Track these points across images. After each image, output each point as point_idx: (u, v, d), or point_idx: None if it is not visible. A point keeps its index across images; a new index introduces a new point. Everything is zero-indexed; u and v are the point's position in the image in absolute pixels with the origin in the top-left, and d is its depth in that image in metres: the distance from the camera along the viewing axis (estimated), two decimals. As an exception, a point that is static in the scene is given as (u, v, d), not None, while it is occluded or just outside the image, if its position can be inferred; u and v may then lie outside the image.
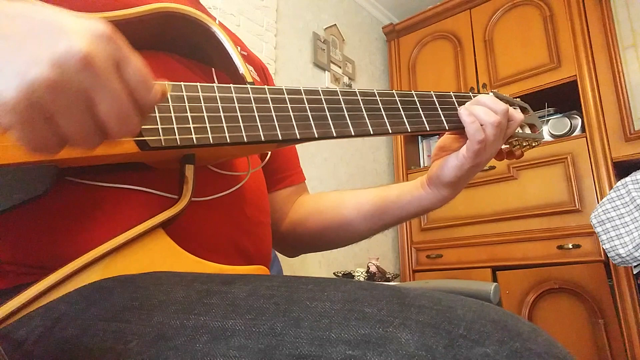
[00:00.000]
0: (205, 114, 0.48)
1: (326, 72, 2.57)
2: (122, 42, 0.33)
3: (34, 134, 0.30)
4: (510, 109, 0.67)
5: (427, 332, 0.30)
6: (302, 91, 0.55)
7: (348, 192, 0.78)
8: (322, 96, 0.56)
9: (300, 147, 0.85)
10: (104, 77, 0.31)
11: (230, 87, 0.51)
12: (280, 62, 2.28)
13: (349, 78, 2.73)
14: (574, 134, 2.24)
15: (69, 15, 0.32)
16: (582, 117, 2.21)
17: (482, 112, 0.63)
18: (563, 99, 2.26)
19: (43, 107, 0.30)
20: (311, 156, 2.31)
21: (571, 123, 2.26)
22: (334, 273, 2.24)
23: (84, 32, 0.31)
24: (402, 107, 0.62)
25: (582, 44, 2.25)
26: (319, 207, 0.78)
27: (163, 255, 0.45)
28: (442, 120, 0.64)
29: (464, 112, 0.64)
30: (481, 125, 0.63)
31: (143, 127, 0.44)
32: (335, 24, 2.70)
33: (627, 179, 1.69)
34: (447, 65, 2.71)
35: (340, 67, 2.67)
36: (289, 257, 0.86)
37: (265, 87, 0.53)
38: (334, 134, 0.54)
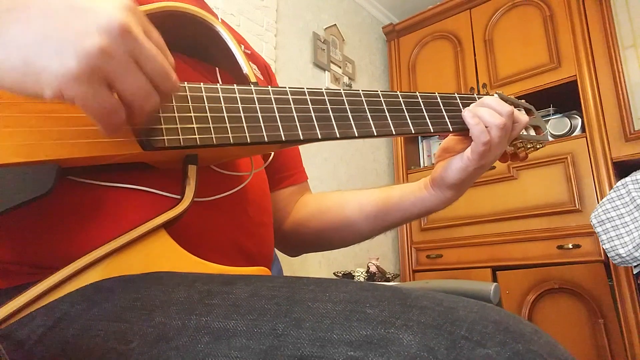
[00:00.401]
0: (208, 114, 0.47)
1: (326, 72, 2.57)
2: (143, 15, 0.38)
3: (100, 100, 0.34)
4: (515, 111, 0.66)
5: (428, 333, 0.30)
6: (306, 92, 0.55)
7: (351, 193, 0.77)
8: (325, 97, 0.56)
9: (301, 147, 0.85)
10: (141, 40, 0.36)
11: (234, 87, 0.51)
12: (280, 62, 2.28)
13: (349, 78, 2.73)
14: (574, 134, 2.25)
15: None
16: (582, 117, 2.21)
17: (487, 113, 0.63)
18: (563, 99, 2.26)
19: (102, 71, 0.34)
20: (311, 156, 2.31)
21: (571, 123, 2.27)
22: (334, 273, 2.24)
23: (115, 5, 0.35)
24: (406, 109, 0.61)
25: (582, 44, 2.25)
26: (322, 207, 0.78)
27: (165, 256, 0.45)
28: (446, 122, 0.64)
29: (468, 115, 0.64)
30: (486, 127, 0.62)
31: (146, 127, 0.44)
32: (335, 24, 2.70)
33: (627, 179, 1.69)
34: (447, 65, 2.71)
35: (340, 67, 2.67)
36: (291, 256, 0.86)
37: (269, 87, 0.53)
38: (338, 135, 0.54)
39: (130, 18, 0.35)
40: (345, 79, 2.70)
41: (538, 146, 0.75)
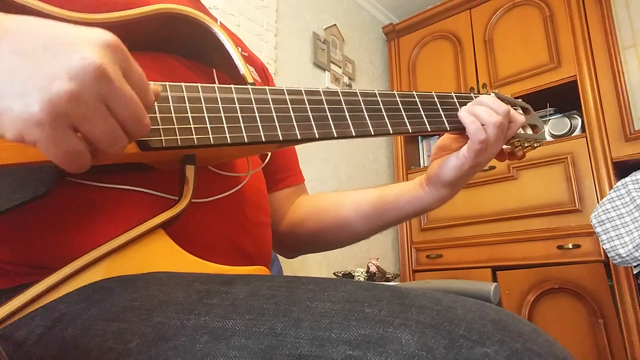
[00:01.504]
0: (206, 115, 0.48)
1: (326, 72, 2.57)
2: (126, 50, 0.36)
3: (62, 145, 0.32)
4: (512, 110, 0.66)
5: (427, 332, 0.30)
6: (303, 92, 0.55)
7: (346, 193, 0.77)
8: (322, 97, 0.56)
9: (300, 147, 0.85)
10: (117, 83, 0.34)
11: (231, 87, 0.51)
12: (280, 62, 2.28)
13: (349, 78, 2.73)
14: (574, 134, 2.25)
15: (74, 28, 0.34)
16: (582, 117, 2.21)
17: (483, 112, 0.63)
18: (563, 99, 2.26)
19: (67, 117, 0.32)
20: (311, 156, 2.31)
21: (571, 123, 2.27)
22: (334, 273, 2.24)
23: (93, 44, 0.33)
24: (403, 108, 0.61)
25: (582, 44, 2.25)
26: (318, 207, 0.78)
27: (163, 256, 0.45)
28: (443, 120, 0.64)
29: (464, 114, 0.64)
30: (482, 125, 0.63)
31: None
32: (335, 24, 2.70)
33: (627, 179, 1.69)
34: (447, 65, 2.71)
35: (340, 67, 2.67)
36: (288, 257, 0.86)
37: (266, 87, 0.53)
38: (335, 135, 0.54)
39: (108, 59, 0.33)
40: (345, 79, 2.70)
41: (535, 145, 0.76)
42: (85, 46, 0.33)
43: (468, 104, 0.66)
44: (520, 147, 0.75)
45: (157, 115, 0.45)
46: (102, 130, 0.34)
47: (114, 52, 0.34)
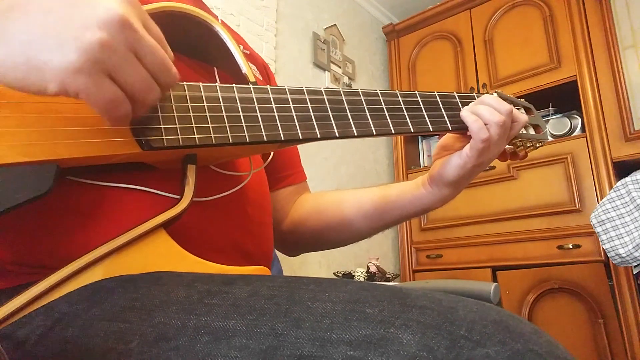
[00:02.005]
0: (207, 114, 0.47)
1: (326, 72, 2.57)
2: (142, 8, 0.38)
3: (103, 92, 0.35)
4: (515, 110, 0.66)
5: (428, 333, 0.30)
6: (305, 91, 0.55)
7: (348, 192, 0.77)
8: (324, 96, 0.56)
9: (300, 147, 0.85)
10: (140, 32, 0.36)
11: (232, 87, 0.51)
12: (280, 62, 2.28)
13: (349, 78, 2.73)
14: (574, 134, 2.25)
15: None
16: (582, 117, 2.21)
17: (486, 111, 0.63)
18: (563, 99, 2.26)
19: (103, 64, 0.34)
20: (311, 156, 2.31)
21: (571, 123, 2.27)
22: (334, 273, 2.24)
23: None
24: (405, 108, 0.61)
25: (582, 44, 2.25)
26: (320, 206, 0.78)
27: (164, 256, 0.44)
28: (445, 120, 0.64)
29: (466, 113, 0.64)
30: (485, 124, 0.63)
31: (145, 126, 0.44)
32: (335, 24, 2.70)
33: (627, 179, 1.69)
34: (447, 65, 2.71)
35: (340, 67, 2.67)
36: (290, 256, 0.86)
37: (268, 87, 0.53)
38: (337, 134, 0.54)
39: (130, 11, 0.36)
40: (345, 79, 2.70)
41: (537, 145, 0.75)
42: (108, 1, 0.35)
43: (470, 104, 0.66)
44: (522, 147, 0.74)
45: (159, 114, 0.45)
46: (136, 79, 0.36)
47: (132, 6, 0.37)
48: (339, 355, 0.30)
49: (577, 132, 2.25)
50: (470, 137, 0.64)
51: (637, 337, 1.84)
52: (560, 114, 2.32)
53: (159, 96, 0.39)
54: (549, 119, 2.31)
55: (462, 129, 0.65)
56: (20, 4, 0.34)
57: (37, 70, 0.33)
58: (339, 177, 2.48)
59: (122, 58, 0.35)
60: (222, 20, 0.71)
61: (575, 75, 2.23)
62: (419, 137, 2.90)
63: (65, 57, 0.33)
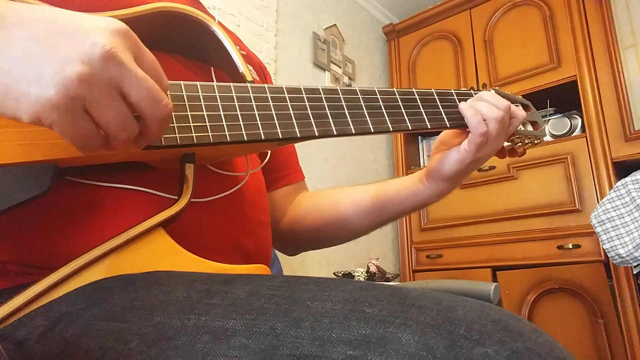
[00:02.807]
0: (205, 113, 0.47)
1: (326, 72, 2.57)
2: (136, 37, 0.37)
3: (77, 127, 0.34)
4: (513, 106, 0.67)
5: (428, 332, 0.30)
6: (302, 90, 0.55)
7: (346, 189, 0.78)
8: (322, 94, 0.56)
9: (300, 147, 0.85)
10: (128, 66, 0.35)
11: (230, 85, 0.51)
12: (280, 62, 2.28)
13: (349, 78, 2.73)
14: (574, 134, 2.24)
15: (85, 16, 0.36)
16: (582, 117, 2.21)
17: (484, 107, 0.64)
18: (563, 99, 2.26)
19: (81, 99, 0.33)
20: (311, 156, 2.31)
21: (571, 123, 2.26)
22: (334, 273, 2.24)
23: (103, 30, 0.35)
24: (402, 105, 0.61)
25: (582, 44, 2.25)
26: (317, 204, 0.78)
27: (164, 255, 0.44)
28: (443, 117, 0.64)
29: (465, 107, 0.64)
30: (484, 120, 0.63)
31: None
32: (335, 24, 2.70)
33: (627, 179, 1.69)
34: (447, 65, 2.71)
35: (340, 67, 2.67)
36: (289, 255, 0.86)
37: (265, 85, 0.53)
38: (335, 132, 0.54)
39: (119, 44, 0.35)
40: (345, 79, 2.70)
41: (536, 142, 0.76)
42: (97, 32, 0.34)
43: (468, 100, 0.67)
44: (520, 144, 0.75)
45: None
46: (113, 116, 0.35)
47: (123, 38, 0.36)
48: (339, 355, 0.30)
49: (577, 132, 2.25)
50: (468, 132, 0.64)
51: (637, 337, 1.83)
52: (560, 114, 2.32)
53: (134, 134, 0.38)
54: (549, 119, 2.31)
55: (460, 126, 0.65)
56: (8, 26, 0.34)
57: (14, 100, 0.33)
58: (339, 177, 2.48)
59: (102, 94, 0.34)
60: (218, 21, 0.71)
61: (575, 75, 2.23)
62: (419, 136, 2.90)
63: (43, 92, 0.32)
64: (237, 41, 0.77)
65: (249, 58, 0.77)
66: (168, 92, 0.47)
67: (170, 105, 0.39)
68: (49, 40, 0.33)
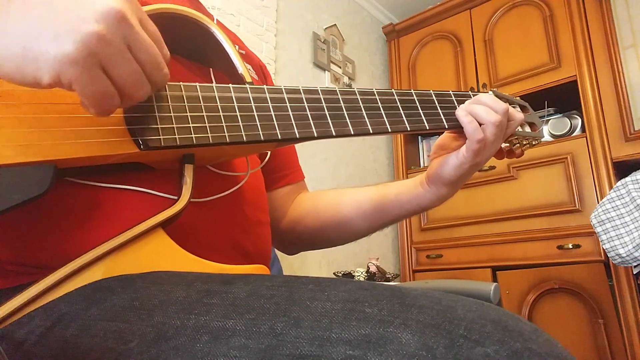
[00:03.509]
0: (204, 114, 0.47)
1: (326, 72, 2.57)
2: (139, 5, 0.39)
3: (96, 84, 0.36)
4: (511, 108, 0.67)
5: (427, 332, 0.30)
6: (301, 90, 0.55)
7: (347, 191, 0.78)
8: (321, 95, 0.56)
9: (300, 148, 0.85)
10: (136, 28, 0.37)
11: (229, 87, 0.51)
12: (280, 62, 2.28)
13: (349, 78, 2.73)
14: (574, 134, 2.25)
15: None
16: (582, 117, 2.21)
17: (482, 111, 0.63)
18: (563, 99, 2.26)
19: (98, 56, 0.35)
20: (311, 156, 2.31)
21: (571, 123, 2.26)
22: (334, 273, 2.24)
23: None
24: (401, 106, 0.62)
25: (582, 44, 2.25)
26: (318, 205, 0.78)
27: (163, 255, 0.44)
28: (441, 119, 0.64)
29: (462, 113, 0.64)
30: (482, 124, 0.63)
31: (142, 126, 0.44)
32: (335, 24, 2.70)
33: (627, 179, 1.69)
34: (447, 65, 2.71)
35: (340, 67, 2.67)
36: (289, 254, 0.86)
37: (264, 86, 0.53)
38: (333, 133, 0.54)
39: (127, 7, 0.37)
40: (345, 79, 2.70)
41: (534, 142, 0.76)
42: None
43: (466, 102, 0.66)
44: (518, 145, 0.75)
45: (156, 114, 0.45)
46: (129, 73, 0.37)
47: (130, 2, 0.37)
48: (338, 355, 0.30)
49: (577, 132, 2.25)
50: (466, 136, 0.64)
51: (637, 337, 1.83)
52: (560, 114, 2.32)
53: (148, 93, 0.40)
54: (548, 119, 2.31)
55: (458, 127, 0.65)
56: None
57: (33, 61, 0.34)
58: (339, 177, 2.48)
59: (117, 51, 0.36)
60: (217, 20, 0.72)
61: (575, 75, 2.23)
62: (419, 137, 2.90)
63: (61, 48, 0.33)
64: (236, 40, 0.77)
65: (248, 57, 0.77)
66: (167, 92, 0.47)
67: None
68: (63, 3, 0.35)
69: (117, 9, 0.35)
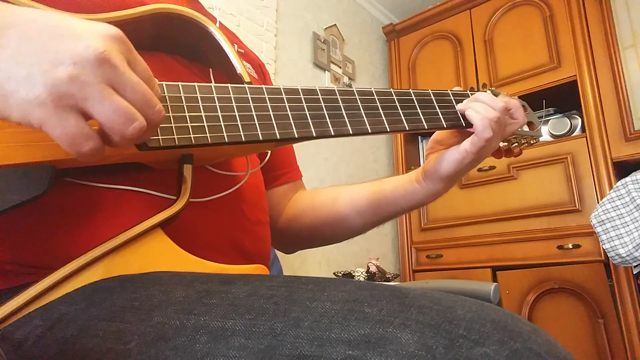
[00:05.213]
0: (203, 114, 0.47)
1: (326, 72, 2.57)
2: (130, 43, 0.37)
3: (64, 126, 0.33)
4: (518, 105, 0.68)
5: (427, 332, 0.30)
6: (300, 90, 0.55)
7: (343, 188, 0.78)
8: (319, 95, 0.56)
9: (300, 147, 0.86)
10: (121, 69, 0.35)
11: (227, 86, 0.51)
12: (280, 62, 2.28)
13: (349, 78, 2.73)
14: (574, 134, 2.25)
15: (80, 20, 0.36)
16: (582, 117, 2.21)
17: (481, 108, 0.64)
18: (563, 99, 2.26)
19: (70, 98, 0.33)
20: (311, 156, 2.31)
21: (571, 123, 2.26)
22: (334, 273, 2.24)
23: (97, 34, 0.35)
24: (399, 106, 0.62)
25: (582, 44, 2.25)
26: (314, 203, 0.78)
27: (162, 255, 0.45)
28: (440, 118, 0.65)
29: (471, 112, 0.65)
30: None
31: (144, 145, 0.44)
32: (335, 24, 2.70)
33: (627, 179, 1.69)
34: (447, 65, 2.71)
35: (340, 67, 2.67)
36: (287, 253, 0.86)
37: (263, 86, 0.54)
38: (332, 133, 0.54)
39: (113, 48, 0.35)
40: (345, 79, 2.70)
41: (532, 142, 0.77)
42: (91, 36, 0.34)
43: (465, 101, 0.67)
44: (517, 145, 0.76)
45: None
46: (112, 109, 0.34)
47: (118, 43, 0.36)
48: (338, 355, 0.30)
49: (577, 132, 2.25)
50: (466, 132, 0.65)
51: (637, 337, 1.83)
52: (560, 114, 2.32)
53: (142, 128, 0.36)
54: (548, 119, 2.31)
55: (456, 126, 0.66)
56: (1, 26, 0.33)
57: (3, 98, 0.33)
58: (339, 177, 2.48)
59: (95, 91, 0.33)
60: (215, 19, 0.72)
61: (575, 75, 2.23)
62: (419, 136, 2.90)
63: (31, 91, 0.32)
64: (235, 40, 0.77)
65: (248, 56, 0.77)
66: (167, 93, 0.47)
67: (163, 111, 0.38)
68: (42, 42, 0.33)
69: (99, 52, 0.33)
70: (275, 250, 1.10)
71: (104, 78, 0.34)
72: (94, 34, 0.34)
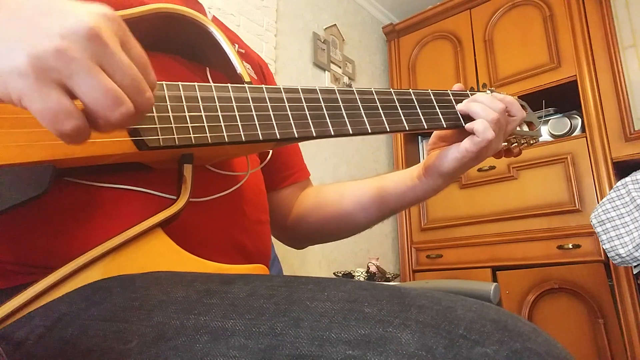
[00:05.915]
0: (203, 114, 0.48)
1: (326, 72, 2.57)
2: (125, 25, 0.35)
3: (46, 101, 0.30)
4: (516, 103, 0.68)
5: (427, 332, 0.30)
6: (300, 90, 0.55)
7: (347, 185, 0.79)
8: (319, 95, 0.56)
9: (300, 147, 0.86)
10: (112, 48, 0.33)
11: (227, 86, 0.51)
12: (280, 62, 2.28)
13: (349, 78, 2.73)
14: (574, 134, 2.24)
15: (73, 1, 0.34)
16: (582, 117, 2.21)
17: (479, 108, 0.64)
18: (563, 99, 2.26)
19: (54, 71, 0.30)
20: (311, 156, 2.31)
21: (571, 123, 2.26)
22: (334, 273, 2.24)
23: (90, 11, 0.33)
24: (399, 106, 0.62)
25: (582, 44, 2.25)
26: (320, 202, 0.80)
27: (163, 255, 0.45)
28: (439, 118, 0.65)
29: (478, 112, 0.65)
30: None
31: (141, 126, 0.44)
32: (335, 24, 2.70)
33: (627, 179, 1.69)
34: (447, 65, 2.71)
35: (340, 67, 2.67)
36: (297, 248, 0.89)
37: (263, 86, 0.54)
38: (332, 133, 0.54)
39: (105, 26, 0.33)
40: (345, 79, 2.69)
41: (531, 142, 0.77)
42: (82, 12, 0.32)
43: (464, 101, 0.67)
44: (516, 144, 0.76)
45: (154, 114, 0.45)
46: (98, 89, 0.32)
47: (112, 22, 0.34)
48: (338, 355, 0.30)
49: (577, 132, 2.25)
50: (465, 132, 0.65)
51: (637, 337, 1.83)
52: (560, 114, 2.32)
53: (129, 114, 0.33)
54: (548, 119, 2.31)
55: (456, 126, 0.66)
56: None
57: None
58: (339, 177, 2.48)
59: (82, 67, 0.31)
60: (214, 17, 0.72)
61: (575, 75, 2.23)
62: (419, 137, 2.90)
63: (13, 61, 0.30)
64: (235, 39, 0.77)
65: (247, 56, 0.77)
66: (165, 92, 0.47)
67: (152, 99, 0.36)
68: (33, 19, 0.31)
69: (90, 26, 0.31)
70: (276, 250, 1.11)
71: (93, 55, 0.32)
72: (87, 11, 0.33)
